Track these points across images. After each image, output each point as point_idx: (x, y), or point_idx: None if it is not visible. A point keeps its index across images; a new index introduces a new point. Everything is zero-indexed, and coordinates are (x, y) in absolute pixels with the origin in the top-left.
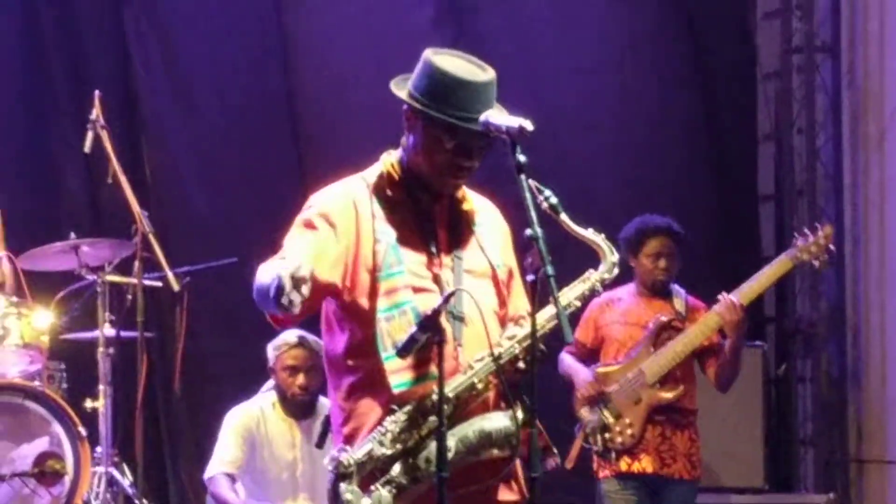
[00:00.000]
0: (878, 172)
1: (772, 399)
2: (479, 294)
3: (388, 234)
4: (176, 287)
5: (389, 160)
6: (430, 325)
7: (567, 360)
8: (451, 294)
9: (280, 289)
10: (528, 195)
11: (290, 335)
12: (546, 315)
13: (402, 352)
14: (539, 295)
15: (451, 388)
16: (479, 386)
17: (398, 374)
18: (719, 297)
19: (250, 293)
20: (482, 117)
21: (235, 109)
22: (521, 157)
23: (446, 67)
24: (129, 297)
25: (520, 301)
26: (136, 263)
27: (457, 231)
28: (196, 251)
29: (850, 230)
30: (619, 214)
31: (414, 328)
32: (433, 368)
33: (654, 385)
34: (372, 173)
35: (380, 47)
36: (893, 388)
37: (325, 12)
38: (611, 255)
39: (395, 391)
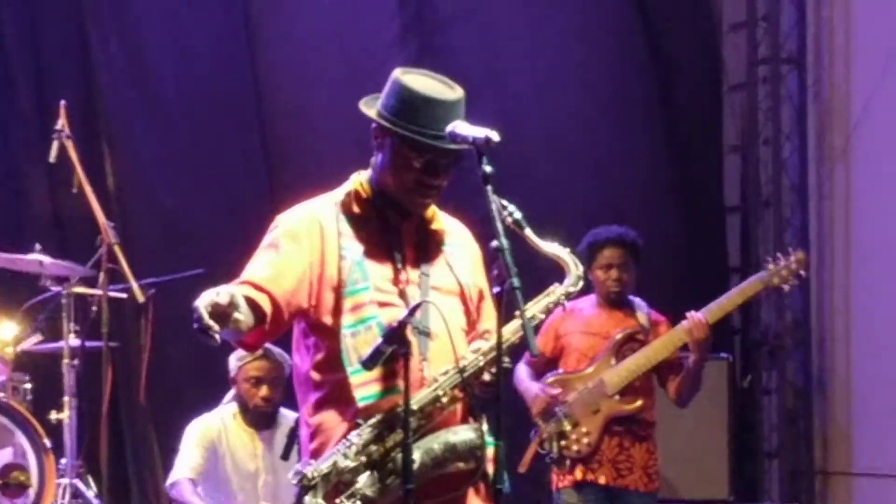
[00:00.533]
0: (843, 184)
1: (737, 410)
2: (446, 310)
3: (354, 250)
4: (141, 298)
5: (359, 179)
6: (395, 337)
7: (519, 375)
8: (417, 306)
9: (199, 320)
10: (493, 206)
11: None
12: (511, 328)
13: (367, 363)
14: (504, 307)
15: (415, 401)
16: (444, 399)
17: (364, 388)
18: (687, 314)
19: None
20: (448, 128)
21: (203, 119)
22: (487, 168)
23: (414, 86)
24: (94, 308)
25: (489, 323)
26: (101, 275)
27: (425, 249)
28: (161, 262)
29: (815, 241)
30: (584, 229)
31: (379, 340)
32: (399, 382)
33: (613, 396)
34: (340, 192)
35: (346, 62)
36: (859, 400)
37: (294, 26)
38: (575, 269)
39: (361, 404)
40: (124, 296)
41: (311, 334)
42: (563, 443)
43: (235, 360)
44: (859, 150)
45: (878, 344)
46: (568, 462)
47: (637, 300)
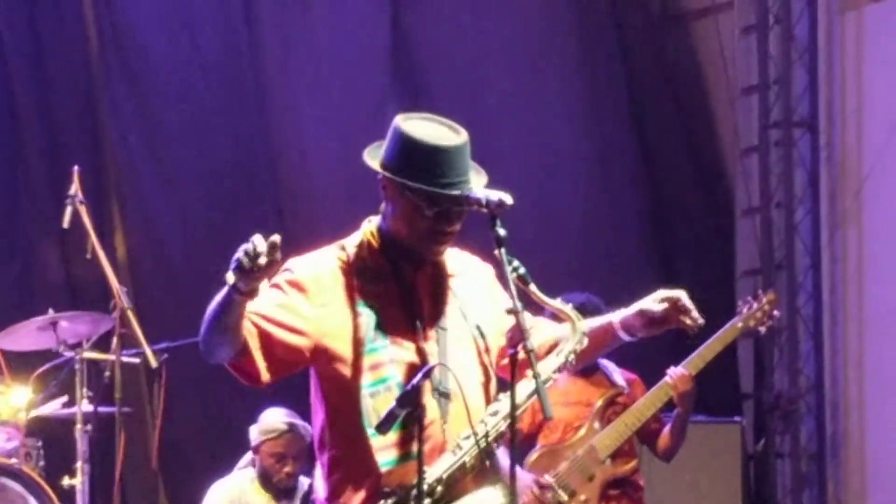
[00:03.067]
0: (856, 247)
1: (750, 475)
2: (464, 366)
3: (370, 306)
4: (154, 363)
5: (369, 228)
6: (409, 400)
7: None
8: (431, 369)
9: (251, 251)
10: (508, 269)
11: (279, 420)
12: (527, 390)
13: (381, 427)
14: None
15: (442, 469)
16: (469, 465)
17: (384, 452)
18: (668, 370)
19: (228, 370)
20: (463, 191)
21: (216, 183)
22: (501, 231)
23: (417, 134)
24: (107, 373)
25: (541, 334)
26: (115, 340)
27: (440, 300)
28: (174, 327)
29: (828, 305)
30: (592, 288)
31: (393, 403)
32: (418, 447)
33: (605, 461)
34: (351, 242)
35: (343, 109)
36: (873, 465)
37: (300, 91)
38: (580, 325)
39: (382, 469)
40: (137, 361)
41: (327, 390)
42: None
43: (260, 433)
44: (872, 213)
45: (892, 408)
46: None
47: (604, 363)
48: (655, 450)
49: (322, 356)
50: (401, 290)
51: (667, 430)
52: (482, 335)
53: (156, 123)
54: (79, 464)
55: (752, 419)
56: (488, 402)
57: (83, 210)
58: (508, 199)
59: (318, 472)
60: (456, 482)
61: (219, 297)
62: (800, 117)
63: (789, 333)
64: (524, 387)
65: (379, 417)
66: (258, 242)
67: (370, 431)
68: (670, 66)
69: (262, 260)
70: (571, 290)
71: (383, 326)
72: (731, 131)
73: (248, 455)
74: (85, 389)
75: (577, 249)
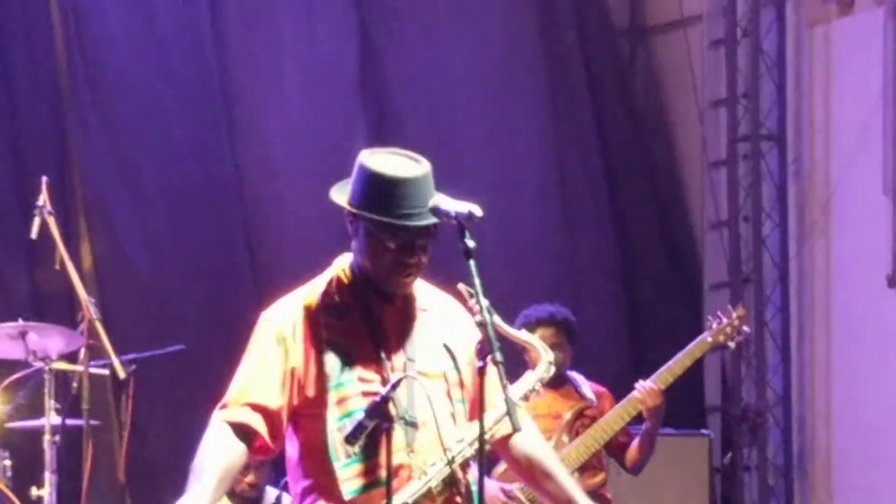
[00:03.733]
0: (823, 260)
1: (717, 488)
2: (432, 397)
3: (339, 342)
4: (122, 375)
5: (342, 265)
6: (377, 412)
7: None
8: (399, 381)
9: None
10: (477, 280)
11: None
12: (493, 417)
13: (350, 438)
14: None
15: (407, 495)
16: (436, 491)
17: (350, 482)
18: (636, 384)
19: (196, 381)
20: (431, 202)
21: (183, 195)
22: (470, 243)
23: (380, 169)
24: (75, 384)
25: (494, 394)
26: (83, 351)
27: (409, 333)
28: (141, 338)
29: (796, 318)
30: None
31: (361, 415)
32: (384, 475)
33: (573, 474)
34: (323, 280)
35: (311, 127)
36: (839, 478)
37: (267, 116)
38: (546, 355)
39: (348, 498)
40: (105, 372)
41: (298, 425)
42: None
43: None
44: (839, 227)
45: (859, 421)
46: None
47: (573, 375)
48: (623, 463)
49: (296, 400)
50: (369, 325)
51: (635, 443)
52: (452, 368)
53: (122, 136)
54: (46, 475)
55: (720, 432)
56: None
57: (51, 221)
58: (478, 210)
59: (294, 497)
60: None
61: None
62: (768, 131)
63: (757, 346)
64: (492, 413)
65: (347, 453)
66: None
67: (337, 465)
68: (637, 80)
69: None
70: (538, 304)
71: (350, 361)
72: (696, 146)
73: None
74: (53, 401)
75: (542, 272)
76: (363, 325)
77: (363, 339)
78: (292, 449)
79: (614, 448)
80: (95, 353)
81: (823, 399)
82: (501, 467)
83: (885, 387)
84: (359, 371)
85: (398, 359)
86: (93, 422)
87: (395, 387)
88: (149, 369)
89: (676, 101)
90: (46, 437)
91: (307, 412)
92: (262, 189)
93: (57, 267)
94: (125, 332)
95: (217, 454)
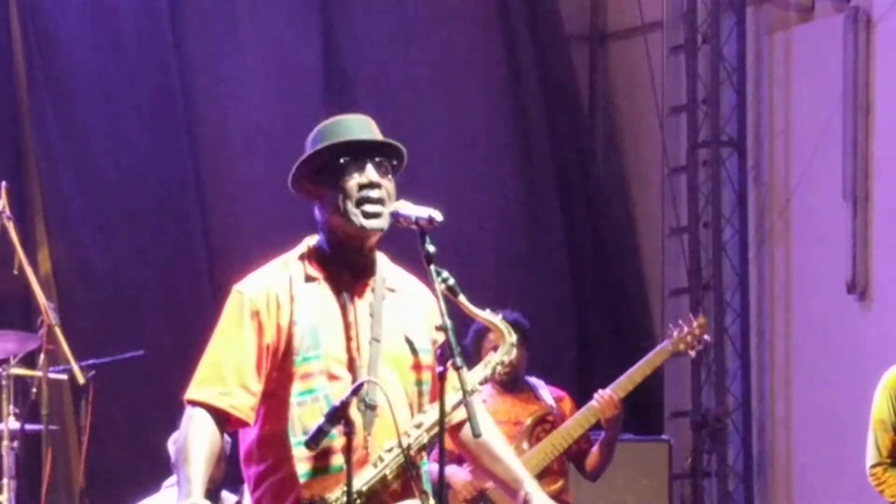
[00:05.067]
0: (783, 267)
1: (676, 493)
2: (393, 381)
3: (307, 316)
4: (81, 380)
5: (309, 242)
6: (338, 416)
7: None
8: (360, 386)
9: None
10: (437, 284)
11: None
12: (451, 402)
13: (310, 443)
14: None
15: (363, 482)
16: (390, 477)
17: (305, 463)
18: (595, 393)
19: (156, 386)
20: (391, 208)
21: (142, 200)
22: (431, 248)
23: (323, 122)
24: (34, 390)
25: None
26: (42, 356)
27: (377, 313)
28: (101, 344)
29: (755, 324)
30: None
31: (322, 420)
32: (340, 460)
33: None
34: (293, 255)
35: (273, 128)
36: (799, 484)
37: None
38: (509, 337)
39: (302, 481)
40: (64, 377)
41: (260, 403)
42: None
43: (174, 444)
44: (799, 233)
45: (818, 426)
46: None
47: (533, 380)
48: (583, 469)
49: (270, 369)
50: (338, 302)
51: (595, 450)
52: (414, 351)
53: (81, 139)
54: (5, 481)
55: (679, 438)
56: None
57: (10, 226)
58: (438, 215)
59: (246, 488)
60: (376, 494)
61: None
62: (728, 137)
63: (716, 352)
64: (450, 400)
65: (304, 427)
66: None
67: (294, 440)
68: (597, 87)
69: None
70: (500, 310)
71: (318, 337)
72: (656, 152)
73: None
74: (11, 406)
75: (499, 271)
76: (333, 302)
77: (332, 316)
78: (248, 435)
79: (574, 454)
80: (54, 358)
81: (783, 404)
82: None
83: (845, 392)
84: (326, 349)
85: (364, 337)
86: (52, 427)
87: (355, 392)
88: (108, 375)
89: (636, 108)
90: (5, 443)
91: (271, 384)
92: (223, 193)
93: (15, 272)
94: (84, 338)
95: (201, 442)
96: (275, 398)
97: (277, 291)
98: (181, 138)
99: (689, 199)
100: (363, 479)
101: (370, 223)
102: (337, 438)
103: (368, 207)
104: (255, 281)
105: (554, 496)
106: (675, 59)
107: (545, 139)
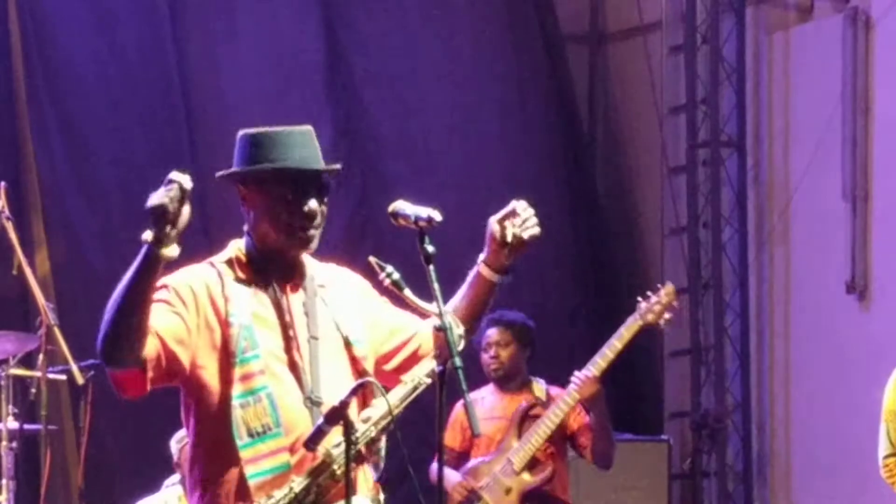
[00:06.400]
0: (782, 267)
1: (676, 493)
2: (337, 375)
3: (242, 316)
4: (80, 381)
5: (236, 245)
6: (336, 416)
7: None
8: (359, 386)
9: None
10: (436, 285)
11: None
12: (399, 395)
13: (309, 444)
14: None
15: (311, 477)
16: (339, 472)
17: (253, 464)
18: (572, 376)
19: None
20: (391, 207)
21: (141, 198)
22: (430, 248)
23: (256, 132)
24: (33, 390)
25: (404, 316)
26: (41, 356)
27: (311, 310)
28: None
29: (755, 324)
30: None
31: (321, 420)
32: (289, 458)
33: (521, 473)
34: (220, 258)
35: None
36: (798, 483)
37: (230, 109)
38: (456, 328)
39: (251, 482)
40: (63, 378)
41: (196, 403)
42: None
43: (178, 443)
44: (798, 232)
45: (818, 427)
46: None
47: (535, 379)
48: (590, 458)
49: (195, 369)
50: (271, 301)
51: (590, 435)
52: (352, 344)
53: (80, 140)
54: (3, 481)
55: (678, 438)
56: (362, 410)
57: (9, 226)
58: (437, 215)
59: (189, 484)
60: (326, 491)
61: (131, 268)
62: (727, 137)
63: (716, 352)
64: (398, 391)
65: (248, 429)
66: (179, 177)
67: (240, 443)
68: (597, 87)
69: (187, 185)
70: (505, 307)
71: (255, 337)
72: (655, 152)
73: (177, 475)
74: (10, 406)
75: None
76: (266, 302)
77: (267, 316)
78: (189, 434)
79: (576, 445)
80: (53, 358)
81: (782, 405)
82: (470, 464)
83: (844, 392)
84: (264, 347)
85: (302, 336)
86: (50, 427)
87: (354, 392)
88: (107, 375)
89: (636, 108)
90: (4, 443)
91: (206, 389)
92: (224, 193)
93: (14, 272)
94: (83, 338)
95: None
96: (212, 400)
97: (209, 283)
98: (181, 137)
99: (689, 200)
100: (311, 475)
101: (304, 247)
102: (282, 437)
103: (303, 234)
104: (182, 276)
105: (543, 491)
106: (675, 59)
107: (546, 137)
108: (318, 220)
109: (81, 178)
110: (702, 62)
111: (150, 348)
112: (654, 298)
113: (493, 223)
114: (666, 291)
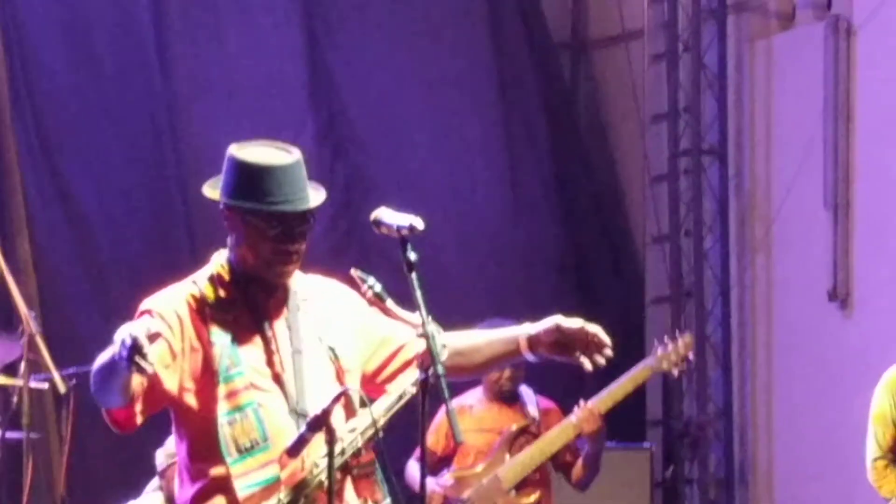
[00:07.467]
0: (764, 275)
1: (658, 501)
2: (321, 388)
3: (224, 335)
4: (63, 389)
5: (219, 261)
6: (319, 424)
7: (411, 473)
8: (340, 395)
9: (134, 347)
10: (418, 293)
11: None
12: (384, 405)
13: (291, 452)
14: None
15: (298, 489)
16: (326, 484)
17: (244, 478)
18: (577, 404)
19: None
20: (373, 215)
21: (124, 208)
22: (412, 256)
23: (249, 159)
24: (15, 398)
25: (394, 327)
26: (23, 364)
27: (294, 324)
28: (82, 352)
29: (737, 332)
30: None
31: (304, 428)
32: (278, 470)
33: (509, 491)
34: (202, 276)
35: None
36: (780, 491)
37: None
38: (440, 339)
39: (241, 495)
40: (45, 386)
41: (185, 423)
42: None
43: (165, 456)
44: (780, 241)
45: (800, 435)
46: None
47: (523, 390)
48: (570, 480)
49: (182, 391)
50: (254, 318)
51: (580, 463)
52: (338, 356)
53: (61, 152)
54: None
55: (660, 445)
56: (349, 420)
57: None
58: (419, 223)
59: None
60: (315, 500)
61: (107, 358)
62: (709, 145)
63: (698, 360)
64: (384, 401)
65: (237, 445)
66: (140, 337)
67: (229, 460)
68: (579, 94)
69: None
70: (491, 316)
71: (238, 355)
72: (637, 160)
73: (157, 480)
74: None
75: (493, 273)
76: (249, 318)
77: (250, 332)
78: (180, 452)
79: (561, 466)
80: (36, 367)
81: (764, 413)
82: (457, 473)
83: (826, 401)
84: (247, 365)
85: (285, 351)
86: (33, 435)
87: (336, 399)
88: (90, 383)
89: (618, 116)
90: None
91: (193, 409)
92: (207, 203)
93: None
94: (65, 346)
95: None
96: (199, 419)
97: (188, 302)
98: (166, 149)
99: (671, 208)
100: (301, 486)
101: (280, 279)
102: (270, 450)
103: (281, 268)
104: (164, 298)
105: None
106: (657, 67)
107: (540, 144)
108: (300, 254)
109: (64, 189)
110: (684, 70)
111: (135, 383)
112: (671, 346)
113: (570, 323)
114: (684, 342)
